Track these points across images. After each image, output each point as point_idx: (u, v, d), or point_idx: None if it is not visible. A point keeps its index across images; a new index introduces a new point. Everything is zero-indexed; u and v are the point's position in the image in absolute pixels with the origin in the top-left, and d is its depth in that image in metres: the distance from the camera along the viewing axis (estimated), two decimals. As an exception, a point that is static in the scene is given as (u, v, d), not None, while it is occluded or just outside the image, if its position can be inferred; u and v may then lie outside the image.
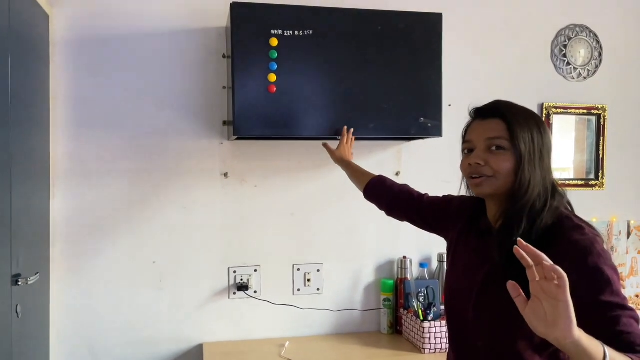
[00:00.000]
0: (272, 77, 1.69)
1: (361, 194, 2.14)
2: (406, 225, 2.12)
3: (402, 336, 2.01)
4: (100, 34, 1.88)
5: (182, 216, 1.95)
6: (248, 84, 1.69)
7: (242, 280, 1.99)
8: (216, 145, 1.97)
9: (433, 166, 2.15)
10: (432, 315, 1.91)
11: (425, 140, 2.09)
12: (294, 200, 2.04)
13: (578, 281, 0.89)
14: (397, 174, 2.13)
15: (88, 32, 1.87)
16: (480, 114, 1.16)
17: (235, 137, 1.81)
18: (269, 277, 2.02)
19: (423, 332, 1.84)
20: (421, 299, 1.97)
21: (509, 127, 1.07)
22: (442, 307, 2.04)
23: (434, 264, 2.14)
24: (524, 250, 0.82)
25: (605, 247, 1.00)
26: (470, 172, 1.12)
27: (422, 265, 2.11)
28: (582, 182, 2.27)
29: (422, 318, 1.89)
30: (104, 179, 1.89)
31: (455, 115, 2.14)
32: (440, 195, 1.48)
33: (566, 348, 0.82)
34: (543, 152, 1.08)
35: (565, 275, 0.79)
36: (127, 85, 1.90)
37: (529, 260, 0.82)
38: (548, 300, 0.81)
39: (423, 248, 2.15)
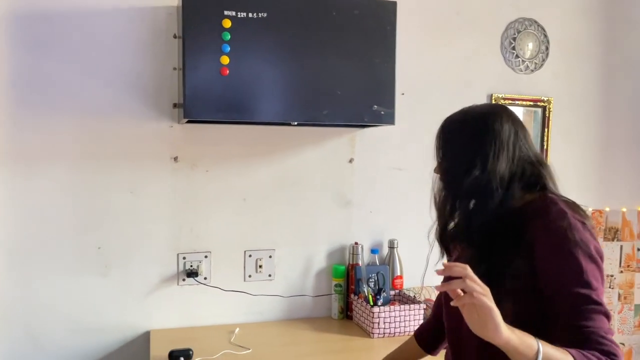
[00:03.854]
0: (225, 60, 1.65)
1: (314, 182, 2.14)
2: (358, 212, 2.16)
3: (353, 321, 2.04)
4: (41, 9, 1.78)
5: (130, 201, 1.89)
6: (199, 65, 1.64)
7: (191, 266, 1.95)
8: (166, 128, 1.92)
9: (386, 154, 2.18)
10: (381, 300, 1.94)
11: (379, 127, 2.11)
12: (246, 185, 2.01)
13: (549, 267, 0.93)
14: (350, 160, 2.14)
15: (27, 7, 1.76)
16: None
17: (186, 120, 1.76)
18: (219, 264, 1.99)
19: (372, 317, 1.87)
20: (371, 285, 2.00)
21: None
22: (392, 293, 2.08)
23: (385, 250, 2.18)
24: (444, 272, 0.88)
25: (587, 233, 0.98)
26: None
27: (373, 251, 2.13)
28: (527, 172, 2.35)
29: (371, 303, 1.92)
30: (45, 162, 1.80)
31: (408, 104, 2.17)
32: None
33: (500, 347, 0.86)
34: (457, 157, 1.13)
35: (475, 289, 0.84)
36: (71, 65, 1.81)
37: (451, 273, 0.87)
38: (474, 307, 0.85)
39: (374, 234, 2.18)
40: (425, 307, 1.99)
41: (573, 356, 0.87)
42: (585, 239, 0.97)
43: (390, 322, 1.88)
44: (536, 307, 0.99)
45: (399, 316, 1.89)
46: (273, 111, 1.72)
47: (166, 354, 1.63)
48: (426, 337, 1.40)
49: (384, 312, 1.88)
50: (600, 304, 0.93)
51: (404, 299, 2.05)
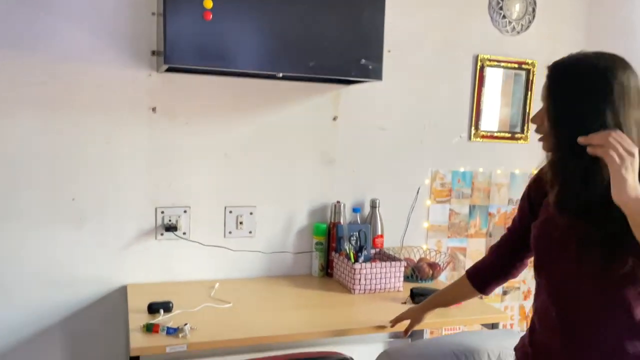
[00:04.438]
0: (208, 3, 1.57)
1: (297, 139, 2.10)
2: (341, 171, 2.14)
3: (333, 278, 2.04)
4: (9, -60, 1.66)
5: (105, 151, 1.82)
6: (181, 9, 1.56)
7: (170, 221, 1.90)
8: (144, 77, 1.83)
9: (370, 112, 2.14)
10: (362, 257, 1.94)
11: (363, 86, 2.07)
12: (227, 140, 1.96)
13: None
14: (334, 118, 2.10)
15: (-6, -63, 1.64)
16: (551, 71, 1.10)
17: (166, 67, 1.69)
18: (199, 219, 1.95)
19: (354, 273, 1.87)
20: (353, 242, 1.99)
21: (546, 87, 1.07)
22: (372, 251, 2.09)
23: (367, 210, 2.17)
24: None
25: None
26: (535, 129, 1.14)
27: (354, 210, 2.12)
28: (509, 135, 2.36)
29: (353, 260, 1.92)
30: (15, 109, 1.71)
31: (393, 62, 2.13)
32: (516, 213, 1.34)
33: (628, 205, 0.91)
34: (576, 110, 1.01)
35: (607, 139, 0.91)
36: (43, 8, 1.70)
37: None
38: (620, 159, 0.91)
39: (356, 193, 2.16)
40: (405, 265, 2.00)
41: None
42: None
43: (371, 279, 1.88)
44: None
45: (380, 273, 1.90)
46: (258, 60, 1.66)
47: (145, 306, 1.59)
48: (480, 276, 1.39)
49: (365, 268, 1.88)
50: None
51: (385, 258, 2.05)
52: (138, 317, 1.54)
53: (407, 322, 1.53)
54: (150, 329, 1.44)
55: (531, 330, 1.20)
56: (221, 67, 1.64)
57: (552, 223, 1.10)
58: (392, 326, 1.55)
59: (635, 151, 0.92)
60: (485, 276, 1.38)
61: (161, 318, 1.54)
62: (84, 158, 1.79)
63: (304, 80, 1.99)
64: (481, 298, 1.43)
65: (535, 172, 1.28)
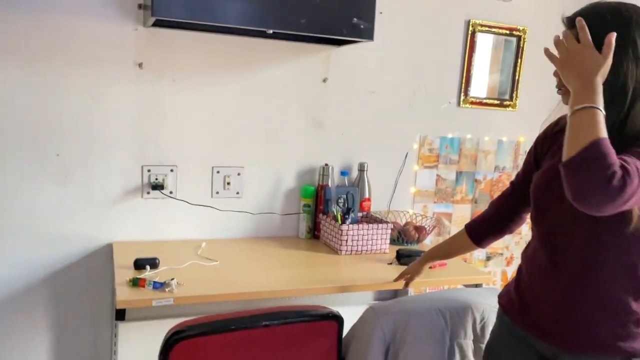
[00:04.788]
0: (197, -47, 1.53)
1: (286, 100, 2.08)
2: (330, 133, 2.13)
3: (320, 240, 2.05)
4: None
5: (90, 107, 1.78)
6: (169, -41, 1.51)
7: (157, 179, 1.88)
8: (130, 31, 1.78)
9: (360, 75, 2.12)
10: (349, 220, 1.95)
11: (354, 47, 2.04)
12: (215, 99, 1.93)
13: None
14: (324, 80, 2.08)
15: None
16: (566, 23, 1.11)
17: (153, 21, 1.64)
18: (185, 179, 1.93)
19: (341, 235, 1.88)
20: (340, 204, 2.00)
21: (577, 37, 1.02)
22: (360, 215, 2.09)
23: (355, 173, 2.17)
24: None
25: None
26: (556, 84, 1.12)
27: (342, 173, 2.12)
28: (497, 102, 2.36)
29: (340, 222, 1.92)
30: (-4, 59, 1.66)
31: (384, 25, 2.10)
32: (521, 167, 1.35)
33: (579, 86, 0.96)
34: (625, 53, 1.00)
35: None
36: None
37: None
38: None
39: (345, 157, 2.16)
40: (392, 227, 2.01)
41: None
42: None
43: (357, 240, 1.90)
44: None
45: (367, 234, 1.91)
46: (248, 15, 1.63)
47: (131, 262, 1.59)
48: (478, 230, 1.40)
49: (352, 230, 1.89)
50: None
51: (372, 221, 2.06)
52: (124, 273, 1.53)
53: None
54: (136, 283, 1.44)
55: (518, 278, 1.23)
56: (209, 22, 1.60)
57: (554, 170, 1.10)
58: (396, 281, 1.60)
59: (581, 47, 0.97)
60: (483, 229, 1.40)
61: (147, 273, 1.54)
62: (68, 113, 1.76)
63: (294, 40, 1.96)
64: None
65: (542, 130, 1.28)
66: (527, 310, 1.16)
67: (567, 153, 0.92)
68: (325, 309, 1.28)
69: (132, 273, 1.54)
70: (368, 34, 1.79)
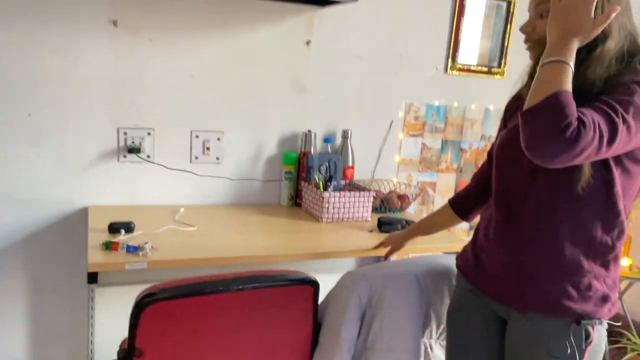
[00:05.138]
0: None
1: (268, 63, 2.01)
2: (313, 99, 2.08)
3: (302, 208, 2.02)
4: None
5: (63, 66, 1.71)
6: None
7: (133, 142, 1.83)
8: (104, -14, 1.71)
9: (346, 38, 2.06)
10: (332, 187, 1.92)
11: (339, 9, 1.98)
12: (195, 61, 1.87)
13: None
14: (307, 42, 2.01)
15: None
16: None
17: (127, -26, 1.57)
18: (164, 142, 1.88)
19: (322, 202, 1.85)
20: (323, 172, 1.96)
21: None
22: (342, 183, 2.07)
23: (338, 140, 2.13)
24: None
25: None
26: (524, 39, 1.11)
27: (326, 140, 2.08)
28: (486, 69, 2.32)
29: (322, 189, 1.89)
30: (-40, 12, 1.58)
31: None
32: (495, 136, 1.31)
33: (567, 41, 0.94)
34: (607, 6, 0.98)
35: None
36: None
37: None
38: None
39: (328, 123, 2.12)
40: (374, 195, 1.99)
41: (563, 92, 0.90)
42: None
43: (339, 207, 1.87)
44: None
45: (349, 202, 1.89)
46: (226, -30, 1.55)
47: (106, 226, 1.55)
48: (462, 203, 1.38)
49: (334, 197, 1.86)
50: (615, 122, 0.91)
51: (354, 188, 2.04)
52: (98, 236, 1.50)
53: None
54: (109, 246, 1.40)
55: (474, 237, 1.23)
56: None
57: (515, 129, 1.09)
58: (375, 249, 1.58)
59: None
60: (467, 202, 1.38)
61: (122, 237, 1.51)
62: (40, 72, 1.69)
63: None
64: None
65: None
66: (481, 270, 1.17)
67: (528, 102, 0.93)
68: (301, 273, 1.25)
69: (106, 237, 1.51)
70: (352, -6, 1.73)
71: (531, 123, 0.90)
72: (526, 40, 1.11)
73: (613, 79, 0.97)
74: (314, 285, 1.27)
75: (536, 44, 1.07)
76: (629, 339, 2.44)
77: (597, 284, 1.05)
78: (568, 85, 0.91)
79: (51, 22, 1.67)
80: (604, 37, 0.97)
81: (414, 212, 2.31)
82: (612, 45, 0.98)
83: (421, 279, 1.33)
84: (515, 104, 1.20)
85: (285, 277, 1.24)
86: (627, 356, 2.43)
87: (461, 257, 1.27)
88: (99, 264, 1.33)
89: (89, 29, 1.72)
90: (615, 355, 2.48)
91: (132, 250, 1.39)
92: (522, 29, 1.10)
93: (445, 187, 2.38)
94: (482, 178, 1.34)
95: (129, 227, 1.55)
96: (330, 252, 1.59)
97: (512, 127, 1.14)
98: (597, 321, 1.04)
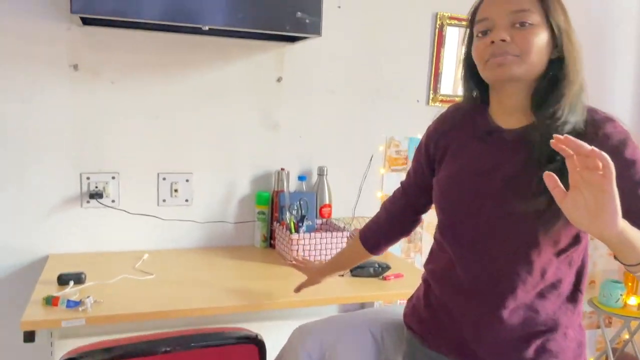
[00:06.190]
0: (118, -55, 1.42)
1: (238, 100, 1.96)
2: (286, 136, 2.00)
3: (275, 249, 1.93)
4: None
5: (22, 110, 1.68)
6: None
7: (97, 188, 1.78)
8: (63, 31, 1.69)
9: (318, 73, 2.00)
10: (304, 228, 1.82)
11: (310, 44, 1.92)
12: (158, 100, 1.82)
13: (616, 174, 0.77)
14: (278, 79, 1.96)
15: None
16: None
17: (80, 19, 1.54)
18: (129, 186, 1.83)
19: (291, 244, 1.75)
20: (294, 212, 1.87)
21: (541, 0, 0.92)
22: (319, 222, 1.97)
23: (314, 178, 2.04)
24: (563, 143, 0.71)
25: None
26: (491, 52, 0.92)
27: (300, 178, 2.00)
28: (470, 100, 2.21)
29: (293, 231, 1.80)
30: None
31: (344, 19, 1.98)
32: (411, 165, 1.21)
33: (609, 240, 0.76)
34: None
35: (611, 163, 0.69)
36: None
37: (569, 150, 0.71)
38: (591, 191, 0.72)
39: (303, 161, 2.04)
40: (350, 235, 1.88)
41: None
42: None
43: (310, 250, 1.77)
44: None
45: (320, 244, 1.78)
46: (178, 10, 1.51)
47: (56, 277, 1.48)
48: (371, 236, 1.27)
49: (304, 239, 1.76)
50: None
51: (331, 228, 1.94)
52: (45, 289, 1.43)
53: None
54: (49, 301, 1.33)
55: (426, 294, 1.09)
56: (135, 18, 1.49)
57: (465, 172, 0.99)
58: (297, 292, 1.44)
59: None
60: (376, 235, 1.26)
61: (69, 290, 1.43)
62: (-3, 118, 1.66)
63: (239, 37, 1.84)
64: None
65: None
66: (443, 331, 1.03)
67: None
68: (242, 330, 1.15)
69: (54, 289, 1.44)
70: (314, 29, 1.67)
71: None
72: (500, 53, 0.91)
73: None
74: (258, 344, 1.16)
75: (514, 59, 0.91)
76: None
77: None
78: None
79: (10, 67, 1.65)
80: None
81: (400, 251, 2.19)
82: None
83: (377, 334, 1.21)
84: (442, 141, 1.07)
85: (224, 335, 1.14)
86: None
87: (412, 316, 1.12)
88: (32, 321, 1.26)
89: (49, 73, 1.69)
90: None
91: (72, 305, 1.32)
92: (496, 37, 0.91)
93: (433, 223, 2.25)
94: (394, 210, 1.23)
95: (79, 278, 1.48)
96: (274, 302, 1.46)
97: (455, 172, 1.02)
98: None
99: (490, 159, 0.98)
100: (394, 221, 1.23)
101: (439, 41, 2.12)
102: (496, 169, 0.96)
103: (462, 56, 1.05)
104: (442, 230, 1.06)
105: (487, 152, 0.99)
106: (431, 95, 2.15)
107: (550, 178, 0.74)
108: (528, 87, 0.95)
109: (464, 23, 2.14)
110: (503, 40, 0.91)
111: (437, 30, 2.11)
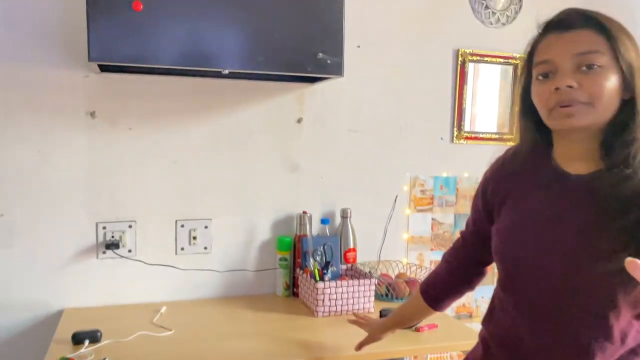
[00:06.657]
0: (137, -8, 1.40)
1: (257, 143, 1.91)
2: (307, 178, 1.94)
3: (299, 299, 1.83)
4: None
5: (37, 161, 1.64)
6: (108, -2, 1.39)
7: (113, 237, 1.72)
8: (79, 79, 1.66)
9: (339, 113, 1.95)
10: (329, 275, 1.73)
11: (330, 84, 1.88)
12: (177, 146, 1.77)
13: None
14: (299, 120, 1.90)
15: None
16: (561, 24, 0.87)
17: (97, 64, 1.51)
18: (147, 235, 1.76)
19: (316, 293, 1.66)
20: (318, 258, 1.78)
21: (608, 38, 0.83)
22: (343, 267, 1.88)
23: (337, 221, 1.96)
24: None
25: None
26: (556, 100, 0.84)
27: (323, 221, 1.92)
28: (496, 136, 2.14)
29: (317, 278, 1.71)
30: None
31: (364, 58, 1.94)
32: (469, 214, 1.14)
33: None
34: None
35: None
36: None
37: None
38: None
39: (325, 203, 1.96)
40: (377, 282, 1.78)
41: None
42: None
43: (336, 299, 1.67)
44: None
45: (347, 292, 1.69)
46: (197, 55, 1.47)
47: (70, 336, 1.40)
48: (433, 292, 1.18)
49: (330, 287, 1.67)
50: None
51: (357, 274, 1.84)
52: (60, 349, 1.35)
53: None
54: (63, 364, 1.24)
55: (485, 357, 0.99)
56: (154, 64, 1.45)
57: (529, 222, 0.90)
58: (358, 349, 1.33)
59: None
60: (436, 288, 1.17)
61: (84, 350, 1.34)
62: (12, 168, 1.62)
63: (259, 79, 1.81)
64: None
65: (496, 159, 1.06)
66: None
67: None
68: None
69: (69, 349, 1.35)
70: (336, 70, 1.62)
71: None
72: (567, 101, 0.83)
73: None
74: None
75: (583, 107, 0.83)
76: None
77: None
78: None
79: (24, 116, 1.62)
80: None
81: (428, 295, 2.07)
82: None
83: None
84: (501, 186, 0.98)
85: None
86: None
87: None
88: (45, 388, 1.17)
89: (65, 122, 1.65)
90: None
91: (87, 368, 1.23)
92: (562, 84, 0.83)
93: (462, 265, 2.14)
94: (455, 262, 1.14)
95: (94, 337, 1.39)
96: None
97: (517, 220, 0.92)
98: None
99: (556, 208, 0.89)
100: (454, 273, 1.14)
101: (462, 78, 2.07)
102: (564, 220, 0.87)
103: (518, 97, 0.98)
104: (503, 287, 0.97)
105: (552, 200, 0.90)
106: (455, 133, 2.08)
107: (631, 265, 0.64)
108: (598, 132, 0.87)
109: (486, 59, 2.09)
110: (570, 87, 0.83)
111: (458, 66, 2.06)
